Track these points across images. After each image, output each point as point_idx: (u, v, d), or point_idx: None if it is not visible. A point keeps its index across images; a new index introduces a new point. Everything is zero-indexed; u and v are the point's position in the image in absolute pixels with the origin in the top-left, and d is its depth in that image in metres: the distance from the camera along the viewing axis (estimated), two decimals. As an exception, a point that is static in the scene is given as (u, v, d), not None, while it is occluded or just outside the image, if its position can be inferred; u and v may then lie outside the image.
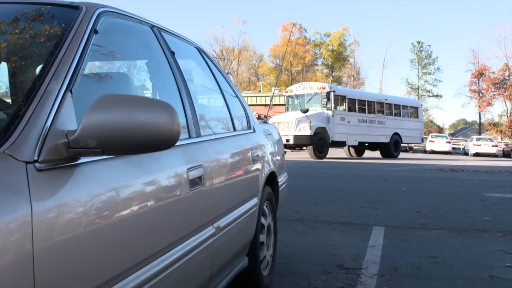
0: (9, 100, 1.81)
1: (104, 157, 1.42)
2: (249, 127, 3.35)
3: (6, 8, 1.98)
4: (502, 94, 57.89)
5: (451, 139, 41.72)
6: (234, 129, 3.04)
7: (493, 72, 59.46)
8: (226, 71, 61.63)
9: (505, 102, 59.40)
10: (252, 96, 44.37)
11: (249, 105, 33.20)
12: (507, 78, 58.17)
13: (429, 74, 67.90)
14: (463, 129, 70.59)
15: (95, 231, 1.33)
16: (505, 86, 57.72)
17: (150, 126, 1.32)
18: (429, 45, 68.57)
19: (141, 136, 1.32)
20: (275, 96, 34.02)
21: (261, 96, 43.61)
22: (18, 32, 1.85)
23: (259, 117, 22.23)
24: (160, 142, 1.35)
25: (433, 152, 35.66)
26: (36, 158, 1.21)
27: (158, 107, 1.35)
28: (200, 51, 3.14)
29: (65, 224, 1.21)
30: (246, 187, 2.88)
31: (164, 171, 1.84)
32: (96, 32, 1.75)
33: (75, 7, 1.83)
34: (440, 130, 69.05)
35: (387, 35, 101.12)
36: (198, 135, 2.30)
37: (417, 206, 7.18)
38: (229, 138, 2.86)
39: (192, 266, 2.00)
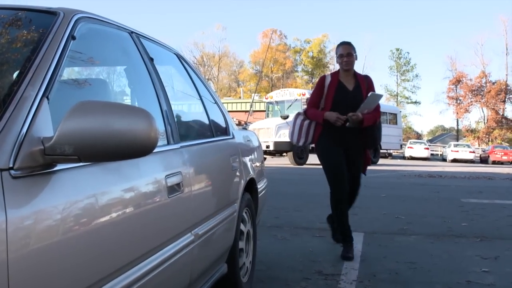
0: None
1: (81, 164, 1.41)
2: (228, 133, 3.35)
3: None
4: (479, 101, 58.71)
5: (429, 145, 42.13)
6: (213, 136, 3.04)
7: (470, 79, 60.30)
8: (207, 77, 61.62)
9: (482, 109, 60.26)
10: (232, 102, 44.37)
11: (229, 111, 33.09)
12: (484, 85, 59.00)
13: (408, 81, 68.59)
14: (441, 136, 71.38)
15: (72, 238, 1.32)
16: (482, 93, 58.54)
17: (127, 133, 1.31)
18: (408, 52, 69.22)
19: (118, 143, 1.31)
20: (255, 102, 34.01)
21: (241, 102, 43.62)
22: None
23: (239, 123, 22.23)
24: (137, 149, 1.35)
25: (411, 158, 35.95)
26: (11, 165, 1.20)
27: (136, 114, 1.35)
28: (180, 57, 3.14)
29: (41, 232, 1.20)
30: (225, 193, 2.87)
31: (142, 178, 1.83)
32: (73, 38, 1.73)
33: (53, 13, 1.82)
34: (419, 136, 69.71)
35: (366, 42, 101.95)
36: (177, 142, 2.30)
37: (396, 212, 7.23)
38: (208, 145, 2.85)
39: (171, 273, 1.99)
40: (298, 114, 4.64)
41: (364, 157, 4.59)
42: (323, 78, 4.57)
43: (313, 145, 4.71)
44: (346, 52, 4.42)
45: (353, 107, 4.30)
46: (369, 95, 4.29)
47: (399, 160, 33.97)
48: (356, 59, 4.50)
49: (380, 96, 4.43)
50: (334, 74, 4.54)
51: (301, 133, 4.57)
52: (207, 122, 3.05)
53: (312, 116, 4.49)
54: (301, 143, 4.59)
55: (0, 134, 1.23)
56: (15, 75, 1.56)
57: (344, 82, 4.46)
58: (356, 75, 4.53)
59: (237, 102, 44.50)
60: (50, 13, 1.82)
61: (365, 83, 4.50)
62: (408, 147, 37.13)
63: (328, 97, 4.43)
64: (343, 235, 4.51)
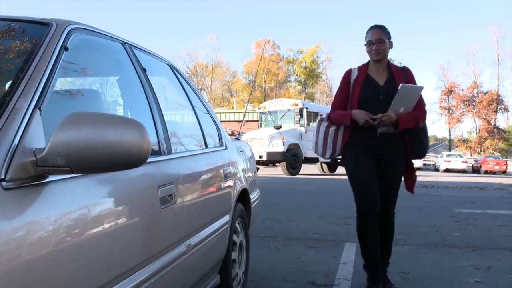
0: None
1: (73, 175, 1.41)
2: (221, 144, 3.36)
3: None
4: (471, 111, 59.05)
5: (421, 155, 42.18)
6: (206, 146, 3.04)
7: (462, 90, 60.67)
8: (200, 87, 61.64)
9: (474, 119, 60.59)
10: (225, 112, 44.40)
11: (223, 121, 32.93)
12: (476, 95, 59.37)
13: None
14: (433, 146, 71.51)
15: (63, 250, 1.31)
16: (474, 103, 58.90)
17: (120, 144, 1.31)
18: (400, 63, 69.54)
19: (111, 154, 1.31)
20: (248, 112, 34.08)
21: (234, 113, 43.67)
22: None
23: (232, 133, 22.23)
24: (129, 160, 1.35)
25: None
26: (3, 176, 1.19)
27: (128, 125, 1.35)
28: (172, 68, 3.14)
29: (32, 243, 1.19)
30: (218, 204, 2.87)
31: (135, 188, 1.83)
32: (66, 49, 1.74)
33: (46, 24, 1.82)
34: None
35: (359, 52, 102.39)
36: (170, 152, 2.30)
37: (389, 222, 7.23)
38: (201, 155, 2.85)
39: (163, 284, 1.98)
40: (321, 120, 3.78)
41: (408, 170, 3.71)
42: (348, 72, 3.66)
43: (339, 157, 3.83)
44: (376, 38, 3.53)
45: (385, 107, 3.42)
46: (399, 88, 3.34)
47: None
48: (391, 47, 3.61)
49: (419, 89, 3.49)
50: (362, 67, 3.66)
51: (326, 143, 3.69)
52: (199, 132, 3.05)
53: (336, 119, 3.62)
54: (327, 156, 3.71)
55: (-8, 146, 1.23)
56: (7, 85, 1.55)
57: (373, 76, 3.59)
58: (390, 67, 3.64)
59: (230, 112, 44.54)
60: (43, 24, 1.82)
61: (401, 76, 3.58)
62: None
63: (353, 95, 3.56)
64: (371, 271, 3.67)
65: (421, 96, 3.58)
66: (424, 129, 3.65)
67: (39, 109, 1.43)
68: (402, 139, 3.58)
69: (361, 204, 3.55)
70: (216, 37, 68.57)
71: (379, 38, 3.54)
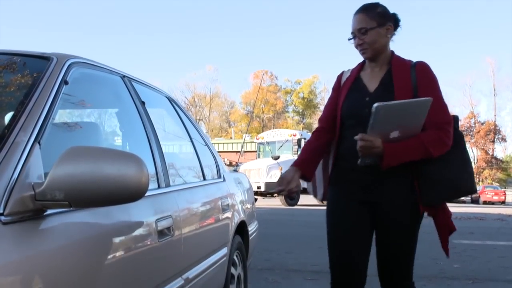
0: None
1: (72, 209, 1.41)
2: (219, 176, 3.36)
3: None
4: (469, 141, 59.20)
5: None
6: (204, 178, 3.05)
7: (460, 120, 60.98)
8: (198, 117, 61.83)
9: (472, 149, 60.72)
10: (223, 143, 44.47)
11: (221, 151, 32.91)
12: (473, 125, 59.68)
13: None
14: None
15: (62, 284, 1.31)
16: (471, 134, 59.15)
17: (118, 178, 1.32)
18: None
19: (109, 188, 1.31)
20: (246, 142, 34.12)
21: (232, 143, 43.74)
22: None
23: (230, 164, 22.20)
24: (128, 194, 1.35)
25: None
26: (1, 211, 1.20)
27: (126, 159, 1.35)
28: (171, 100, 3.17)
29: (31, 278, 1.19)
30: (215, 237, 2.86)
31: (133, 222, 1.83)
32: (66, 83, 1.76)
33: (46, 58, 1.84)
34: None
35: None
36: (168, 185, 2.30)
37: (388, 253, 7.18)
38: (199, 188, 2.86)
39: (160, 319, 1.96)
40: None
41: (441, 218, 2.41)
42: (339, 76, 2.61)
43: None
44: (358, 27, 2.39)
45: None
46: (374, 109, 2.15)
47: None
48: (389, 33, 2.42)
49: (424, 103, 2.23)
50: (356, 67, 2.58)
51: (315, 179, 2.66)
52: (197, 164, 3.06)
53: (305, 146, 2.60)
54: (319, 197, 2.68)
55: (-9, 180, 1.23)
56: (7, 119, 1.57)
57: (365, 79, 2.47)
58: (392, 63, 2.43)
59: (228, 143, 44.61)
60: (44, 58, 1.85)
61: (405, 77, 2.37)
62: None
63: (338, 109, 2.51)
64: None
65: (444, 109, 2.36)
66: (460, 158, 2.35)
67: (39, 143, 1.44)
68: (408, 173, 2.34)
69: (334, 275, 2.53)
70: (214, 68, 69.03)
71: (361, 27, 2.37)
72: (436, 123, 2.29)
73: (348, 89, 2.47)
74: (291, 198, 20.56)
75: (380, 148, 2.21)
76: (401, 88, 2.35)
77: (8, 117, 1.76)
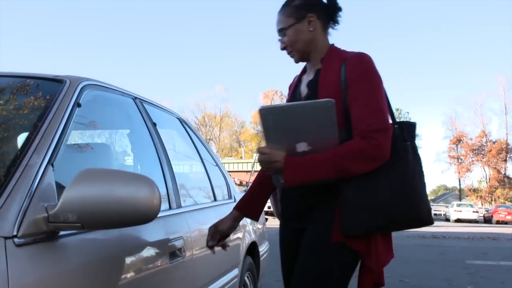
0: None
1: (84, 230, 1.42)
2: (229, 196, 3.36)
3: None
4: (481, 160, 58.81)
5: (432, 205, 41.69)
6: (215, 199, 3.05)
7: (471, 139, 60.60)
8: (208, 137, 61.95)
9: (483, 168, 60.28)
10: (233, 163, 44.42)
11: (231, 171, 32.86)
12: (485, 144, 59.27)
13: (409, 141, 68.79)
14: (443, 195, 71.02)
15: (73, 306, 1.31)
16: (483, 152, 58.72)
17: (130, 200, 1.32)
18: (408, 112, 69.77)
19: (121, 210, 1.32)
20: (256, 162, 34.09)
21: (242, 163, 43.65)
22: (2, 104, 1.87)
23: (240, 184, 22.15)
24: (140, 216, 1.35)
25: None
26: (15, 233, 1.21)
27: (138, 181, 1.36)
28: (181, 121, 3.19)
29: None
30: (226, 258, 2.85)
31: (144, 243, 1.83)
32: (79, 105, 1.77)
33: (59, 81, 1.86)
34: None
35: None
36: (179, 206, 2.31)
37: (400, 274, 7.12)
38: (210, 209, 2.86)
39: None
40: None
41: (371, 261, 1.88)
42: (290, 85, 2.26)
43: None
44: (277, 29, 2.07)
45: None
46: (259, 113, 1.78)
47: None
48: (314, 26, 2.01)
49: (323, 106, 1.76)
50: (301, 71, 2.19)
51: (276, 200, 2.28)
52: (208, 184, 3.06)
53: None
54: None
55: (5, 203, 1.25)
56: (21, 141, 1.58)
57: (303, 83, 2.11)
58: (324, 59, 2.01)
59: (238, 162, 44.54)
60: (57, 81, 1.87)
61: (336, 71, 1.93)
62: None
63: None
64: None
65: (374, 113, 1.84)
66: (383, 177, 1.82)
67: (52, 165, 1.45)
68: (331, 195, 1.90)
69: None
70: (224, 88, 69.18)
71: (279, 28, 2.05)
72: (361, 131, 1.80)
73: (289, 98, 2.17)
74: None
75: (281, 163, 1.81)
76: (325, 86, 1.93)
77: (21, 139, 1.78)
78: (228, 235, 2.16)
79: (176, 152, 2.93)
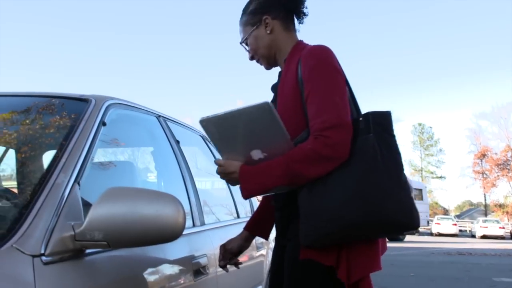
0: (15, 189, 1.84)
1: (110, 248, 1.43)
2: (252, 213, 3.36)
3: (20, 100, 2.05)
4: (506, 175, 57.86)
5: (457, 221, 41.20)
6: (238, 216, 3.05)
7: (496, 153, 59.76)
8: (230, 154, 62.03)
9: (509, 183, 59.28)
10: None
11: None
12: (510, 159, 58.37)
13: (432, 155, 68.16)
14: (469, 211, 69.90)
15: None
16: (508, 167, 57.82)
17: (155, 219, 1.33)
18: (430, 127, 69.24)
19: (147, 229, 1.33)
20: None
21: (265, 179, 43.61)
22: (29, 123, 1.91)
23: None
24: (165, 235, 1.36)
25: (439, 234, 35.14)
26: (42, 251, 1.22)
27: (163, 200, 1.37)
28: (204, 138, 3.21)
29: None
30: (250, 275, 2.85)
31: (168, 261, 1.84)
32: (104, 124, 1.80)
33: (85, 100, 1.89)
34: (446, 212, 68.48)
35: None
36: (202, 223, 2.32)
37: (425, 291, 7.02)
38: (233, 226, 2.85)
39: None
40: None
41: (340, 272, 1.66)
42: None
43: None
44: (241, 39, 1.99)
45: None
46: (200, 123, 1.72)
47: (426, 236, 33.26)
48: (271, 28, 1.90)
49: (261, 110, 1.63)
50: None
51: None
52: (231, 202, 3.07)
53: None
54: None
55: (33, 221, 1.27)
56: (47, 160, 1.61)
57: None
58: (286, 60, 1.89)
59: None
60: (83, 100, 1.90)
61: (294, 69, 1.80)
62: (435, 223, 36.34)
63: None
64: None
65: (325, 109, 1.66)
66: (336, 177, 1.63)
67: (78, 183, 1.47)
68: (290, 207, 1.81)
69: None
70: (245, 103, 69.45)
71: (241, 40, 1.98)
72: (314, 130, 1.65)
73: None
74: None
75: (237, 173, 1.72)
76: (283, 88, 1.82)
77: (47, 157, 1.81)
78: (239, 254, 2.10)
79: (198, 169, 2.95)
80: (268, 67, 1.97)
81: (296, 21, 1.95)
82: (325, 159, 1.60)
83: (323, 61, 1.71)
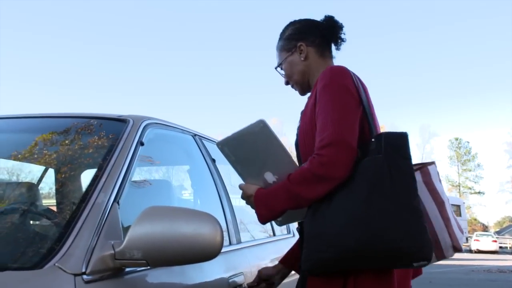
0: (54, 208, 1.88)
1: (149, 267, 1.44)
2: (288, 231, 3.35)
3: (59, 121, 2.10)
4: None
5: (497, 237, 40.21)
6: (274, 234, 3.04)
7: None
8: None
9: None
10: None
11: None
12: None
13: (470, 170, 66.84)
14: (509, 227, 68.08)
15: None
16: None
17: (194, 238, 1.34)
18: (468, 142, 68.03)
19: (185, 248, 1.33)
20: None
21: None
22: (68, 143, 1.95)
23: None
24: (203, 253, 1.36)
25: (479, 251, 34.34)
26: (83, 270, 1.24)
27: (201, 219, 1.38)
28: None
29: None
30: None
31: (206, 279, 1.85)
32: (142, 144, 1.83)
33: (123, 120, 1.92)
34: (485, 228, 66.82)
35: (424, 131, 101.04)
36: (239, 242, 2.32)
37: (466, 310, 6.85)
38: (269, 244, 2.85)
39: None
40: None
41: None
42: None
43: None
44: (277, 64, 2.00)
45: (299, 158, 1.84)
46: (216, 144, 1.81)
47: (465, 254, 32.50)
48: (304, 56, 1.89)
49: (257, 128, 1.69)
50: None
51: None
52: (267, 220, 3.06)
53: None
54: None
55: (74, 240, 1.29)
56: (87, 180, 1.64)
57: None
58: (314, 86, 1.82)
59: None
60: (121, 121, 1.93)
61: (314, 94, 1.76)
62: (474, 240, 35.55)
63: None
64: None
65: (323, 128, 1.61)
66: (333, 199, 1.58)
67: (118, 203, 1.49)
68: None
69: None
70: (279, 121, 69.58)
71: (277, 64, 1.99)
72: (315, 150, 1.60)
73: None
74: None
75: (252, 197, 1.71)
76: (305, 112, 1.82)
77: (85, 176, 1.84)
78: (268, 283, 2.01)
79: (235, 187, 2.96)
80: (302, 93, 1.96)
81: (333, 47, 1.93)
82: (320, 179, 1.54)
83: (331, 80, 1.67)
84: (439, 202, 1.73)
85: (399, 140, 1.59)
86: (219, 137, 3.05)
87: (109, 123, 2.00)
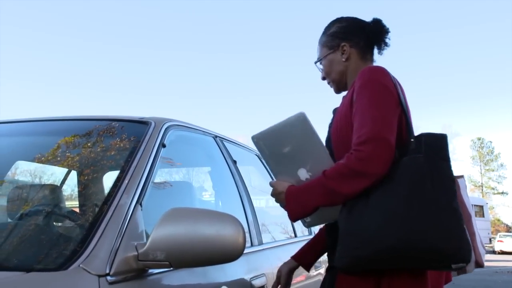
0: (77, 209, 1.90)
1: (171, 269, 1.45)
2: (310, 232, 3.33)
3: (82, 124, 2.12)
4: None
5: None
6: (295, 235, 3.04)
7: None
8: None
9: None
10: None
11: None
12: None
13: (492, 171, 65.96)
14: (534, 228, 67.15)
15: None
16: None
17: (216, 239, 1.34)
18: (490, 141, 67.17)
19: (208, 249, 1.34)
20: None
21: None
22: (90, 146, 1.97)
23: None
24: (226, 255, 1.37)
25: (502, 252, 33.79)
26: (107, 271, 1.25)
27: (224, 220, 1.38)
28: (260, 157, 3.22)
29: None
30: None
31: (228, 281, 1.85)
32: (164, 145, 1.83)
33: (145, 123, 1.94)
34: (509, 229, 65.87)
35: (446, 131, 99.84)
36: (260, 243, 2.32)
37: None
38: (291, 245, 2.84)
39: None
40: None
41: None
42: None
43: None
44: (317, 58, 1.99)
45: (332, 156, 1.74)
46: (253, 141, 1.76)
47: (488, 255, 32.06)
48: (346, 57, 1.87)
49: (297, 121, 1.67)
50: None
51: None
52: (288, 220, 3.05)
53: None
54: None
55: (98, 242, 1.30)
56: (110, 182, 1.65)
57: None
58: (350, 86, 1.83)
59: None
60: (143, 123, 1.94)
61: (350, 93, 1.75)
62: (498, 241, 34.96)
63: None
64: None
65: (362, 124, 1.58)
66: (371, 197, 1.54)
67: (140, 204, 1.50)
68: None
69: None
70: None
71: (317, 58, 1.98)
72: (352, 146, 1.57)
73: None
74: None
75: (283, 194, 1.68)
76: (340, 109, 1.81)
77: (107, 178, 1.86)
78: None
79: (255, 188, 2.96)
80: (338, 91, 1.94)
81: (376, 50, 1.91)
82: (357, 174, 1.51)
83: (370, 79, 1.65)
84: (467, 215, 1.68)
85: (440, 142, 1.58)
86: (239, 138, 3.07)
87: (131, 125, 2.01)
